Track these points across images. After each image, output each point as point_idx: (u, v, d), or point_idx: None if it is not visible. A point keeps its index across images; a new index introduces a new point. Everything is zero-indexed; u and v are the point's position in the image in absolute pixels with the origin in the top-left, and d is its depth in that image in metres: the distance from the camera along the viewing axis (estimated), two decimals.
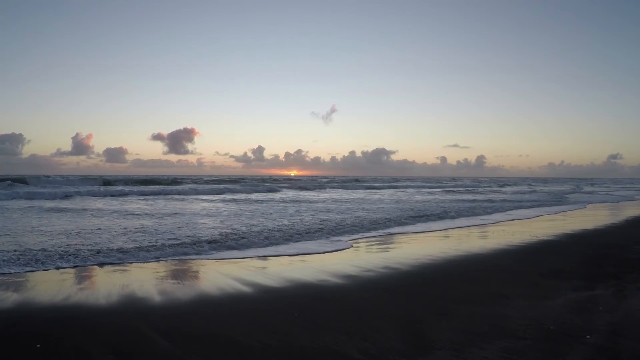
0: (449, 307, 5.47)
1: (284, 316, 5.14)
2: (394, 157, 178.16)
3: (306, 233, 12.06)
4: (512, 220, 17.32)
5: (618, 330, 4.59)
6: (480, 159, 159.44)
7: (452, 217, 17.72)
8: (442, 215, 18.22)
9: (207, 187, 40.35)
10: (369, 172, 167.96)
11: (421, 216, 17.47)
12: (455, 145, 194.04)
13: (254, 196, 31.20)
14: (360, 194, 37.52)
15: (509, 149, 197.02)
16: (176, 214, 17.13)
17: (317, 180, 69.99)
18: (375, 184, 59.52)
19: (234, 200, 26.00)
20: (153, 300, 5.84)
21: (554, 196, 35.90)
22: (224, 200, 25.98)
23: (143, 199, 26.29)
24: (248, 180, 59.77)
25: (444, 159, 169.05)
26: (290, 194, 35.89)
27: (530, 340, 4.33)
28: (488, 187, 58.79)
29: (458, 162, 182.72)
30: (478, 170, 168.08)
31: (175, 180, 51.54)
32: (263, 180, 65.63)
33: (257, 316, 5.15)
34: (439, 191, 44.04)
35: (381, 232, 13.01)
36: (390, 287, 6.64)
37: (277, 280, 6.94)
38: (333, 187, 50.02)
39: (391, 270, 7.76)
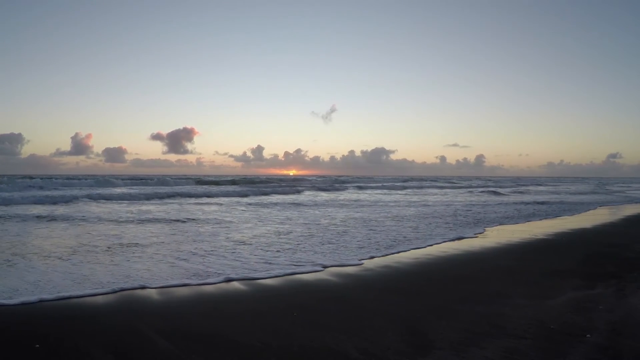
0: (449, 306, 5.46)
1: (284, 316, 5.15)
2: (393, 157, 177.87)
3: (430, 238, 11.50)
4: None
5: (618, 329, 4.57)
6: (480, 159, 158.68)
7: (556, 217, 17.96)
8: (538, 215, 18.50)
9: (230, 189, 37.40)
10: (368, 172, 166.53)
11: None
12: (455, 145, 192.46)
13: (289, 198, 29.34)
14: (391, 195, 34.56)
15: (508, 148, 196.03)
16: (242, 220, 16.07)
17: (327, 181, 68.82)
18: (395, 184, 56.25)
19: (279, 204, 23.44)
20: (153, 300, 5.86)
21: (610, 193, 35.19)
22: (263, 204, 23.47)
23: (196, 203, 24.07)
24: (263, 181, 56.29)
25: (443, 158, 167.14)
26: (322, 195, 33.40)
27: (531, 339, 4.32)
28: (512, 187, 54.90)
29: (457, 161, 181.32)
30: (477, 169, 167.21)
31: (201, 181, 51.26)
32: (268, 180, 64.69)
33: (257, 316, 5.16)
34: (477, 192, 40.68)
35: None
36: (390, 286, 6.64)
37: (277, 280, 6.96)
38: (353, 188, 47.10)
39: (391, 269, 7.77)
